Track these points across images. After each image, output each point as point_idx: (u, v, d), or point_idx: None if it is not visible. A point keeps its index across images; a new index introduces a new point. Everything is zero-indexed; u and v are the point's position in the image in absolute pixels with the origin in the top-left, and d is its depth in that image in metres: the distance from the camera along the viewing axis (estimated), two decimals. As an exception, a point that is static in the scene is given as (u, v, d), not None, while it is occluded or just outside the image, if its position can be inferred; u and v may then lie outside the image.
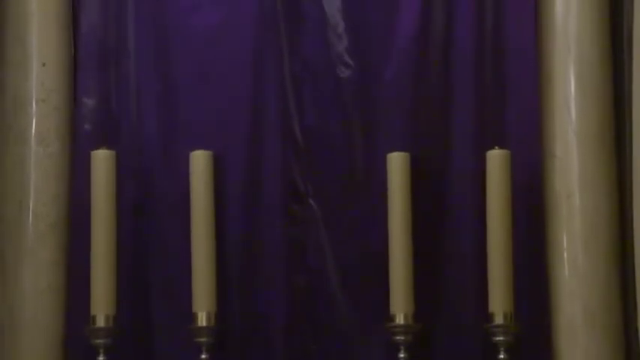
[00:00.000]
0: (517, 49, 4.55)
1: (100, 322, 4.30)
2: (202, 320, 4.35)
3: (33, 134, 4.46)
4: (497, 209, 4.30)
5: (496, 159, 4.34)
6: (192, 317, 4.36)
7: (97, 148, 4.41)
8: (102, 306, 4.32)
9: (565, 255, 4.35)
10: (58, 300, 4.45)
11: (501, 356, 4.24)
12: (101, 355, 4.30)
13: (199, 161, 4.45)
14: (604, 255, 4.34)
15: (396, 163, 4.41)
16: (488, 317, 4.27)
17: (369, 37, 4.60)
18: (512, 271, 4.26)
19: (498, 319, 4.25)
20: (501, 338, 4.25)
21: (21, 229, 4.43)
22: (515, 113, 4.54)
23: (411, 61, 4.58)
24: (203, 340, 4.35)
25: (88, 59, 4.60)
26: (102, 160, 4.40)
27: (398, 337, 4.31)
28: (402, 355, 4.31)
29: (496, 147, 4.36)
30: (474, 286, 4.42)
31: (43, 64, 4.50)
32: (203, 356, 4.34)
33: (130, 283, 4.52)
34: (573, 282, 4.33)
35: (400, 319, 4.31)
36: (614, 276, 4.35)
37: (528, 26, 4.54)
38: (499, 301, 4.26)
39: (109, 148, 4.42)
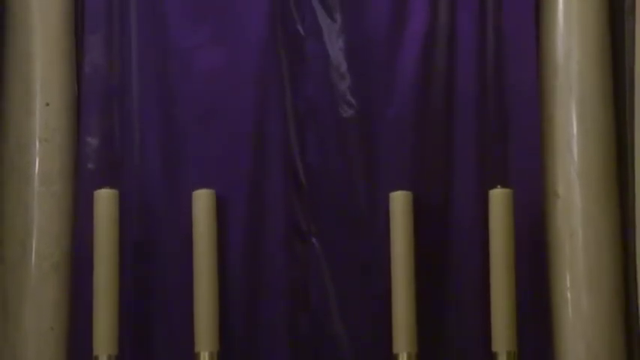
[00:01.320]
0: (519, 88, 4.58)
1: (103, 363, 4.31)
2: (205, 360, 4.36)
3: (36, 174, 4.47)
4: (500, 248, 4.30)
5: (498, 198, 4.34)
6: (194, 357, 4.35)
7: (100, 187, 4.43)
8: (104, 346, 4.31)
9: (568, 295, 4.36)
10: (60, 340, 4.44)
11: (505, 395, 4.25)
12: (104, 394, 4.30)
13: (202, 200, 4.46)
14: (607, 295, 4.34)
15: (399, 202, 4.41)
16: (492, 357, 4.26)
17: (371, 76, 4.63)
18: (515, 311, 4.26)
19: (502, 359, 4.25)
20: (505, 378, 4.25)
21: (24, 269, 4.44)
22: (517, 152, 4.55)
23: (413, 101, 4.60)
24: (206, 379, 4.35)
25: (92, 99, 4.62)
26: (105, 200, 4.40)
27: (401, 377, 4.31)
28: (405, 395, 4.31)
29: (498, 186, 4.37)
30: (478, 326, 4.42)
31: (47, 104, 4.52)
32: (206, 395, 4.34)
33: (133, 323, 4.51)
34: (577, 322, 4.33)
35: (403, 359, 4.31)
36: (617, 316, 4.35)
37: (530, 65, 4.57)
38: (502, 341, 4.25)
39: (112, 187, 4.43)
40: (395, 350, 4.31)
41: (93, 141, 4.60)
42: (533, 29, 4.58)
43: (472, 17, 4.61)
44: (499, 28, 4.62)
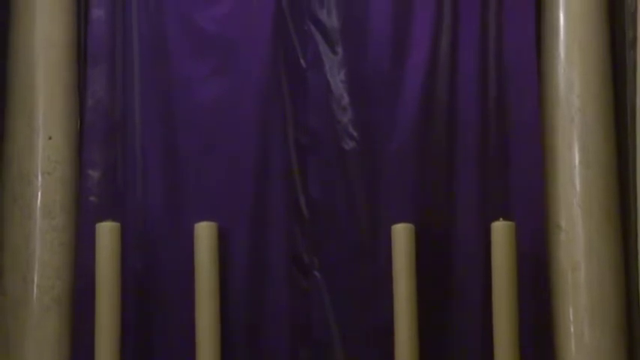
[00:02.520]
0: (520, 120, 4.59)
1: (104, 397, 4.29)
2: (207, 394, 4.34)
3: (38, 207, 4.48)
4: (502, 281, 4.29)
5: (501, 230, 4.34)
6: (196, 390, 4.35)
7: (102, 220, 4.43)
8: (106, 380, 4.31)
9: (572, 329, 4.34)
10: (62, 375, 4.45)
11: None
12: None
13: (204, 233, 4.45)
14: (610, 329, 4.33)
15: (401, 235, 4.41)
16: (495, 389, 4.26)
17: (373, 109, 4.64)
18: (518, 344, 4.24)
19: (505, 392, 4.24)
20: (508, 412, 4.23)
21: (25, 303, 4.43)
22: (519, 184, 4.56)
23: (415, 133, 4.60)
24: (208, 413, 4.33)
25: (94, 132, 4.63)
26: (107, 233, 4.40)
27: (404, 411, 4.29)
28: None
29: (501, 218, 4.37)
30: (480, 358, 4.40)
31: (49, 138, 4.53)
32: None
33: (135, 356, 4.49)
34: (580, 355, 4.32)
35: (406, 391, 4.31)
36: (621, 350, 4.34)
37: (531, 97, 4.58)
38: (506, 374, 4.25)
39: (114, 220, 4.43)
40: (398, 383, 4.30)
41: (95, 174, 4.61)
42: (534, 61, 4.60)
43: (473, 50, 4.63)
44: (500, 61, 4.64)
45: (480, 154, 4.59)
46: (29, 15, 4.57)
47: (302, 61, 4.67)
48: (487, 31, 4.65)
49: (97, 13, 4.67)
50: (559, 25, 4.57)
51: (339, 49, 4.66)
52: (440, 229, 4.54)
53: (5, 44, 4.62)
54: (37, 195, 4.48)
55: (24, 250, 4.45)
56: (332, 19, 4.68)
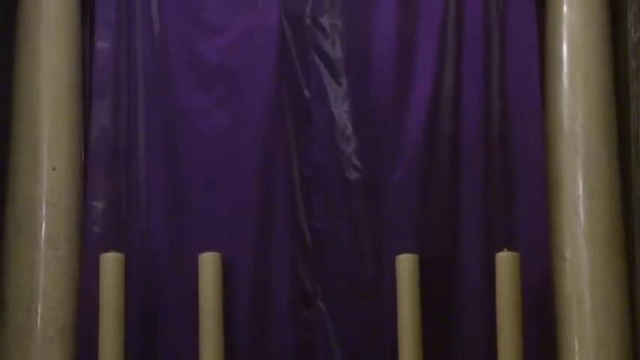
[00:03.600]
0: (524, 150, 4.59)
1: None
2: None
3: (43, 238, 4.47)
4: (507, 311, 4.27)
5: (505, 261, 4.33)
6: (200, 422, 4.34)
7: (106, 250, 4.42)
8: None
9: (577, 360, 4.37)
10: (65, 408, 4.44)
11: None
12: None
13: (208, 263, 4.45)
14: (615, 360, 4.34)
15: (405, 265, 4.41)
16: (499, 422, 4.24)
17: (376, 139, 4.64)
18: (523, 376, 4.25)
19: None
20: None
21: (29, 335, 4.41)
22: (523, 215, 4.56)
23: (419, 163, 4.61)
24: None
25: (98, 163, 4.64)
26: (111, 263, 4.40)
27: None
28: None
29: (505, 249, 4.36)
30: (485, 391, 4.42)
31: (54, 169, 4.53)
32: None
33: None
34: (586, 387, 4.33)
35: (410, 422, 4.29)
36: (626, 382, 4.35)
37: (535, 128, 4.59)
38: (510, 406, 4.23)
39: (118, 250, 4.43)
40: (402, 414, 4.29)
41: (99, 204, 4.61)
42: (538, 93, 4.61)
43: (477, 82, 4.65)
44: (504, 92, 4.66)
45: (484, 184, 4.59)
46: (34, 47, 4.60)
47: (306, 92, 4.68)
48: (490, 64, 4.67)
49: (102, 45, 4.70)
50: (562, 56, 4.59)
51: (344, 80, 4.68)
52: (444, 259, 4.54)
53: (10, 76, 4.63)
54: (42, 226, 4.48)
55: (28, 281, 4.44)
56: (336, 50, 4.69)
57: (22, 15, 4.64)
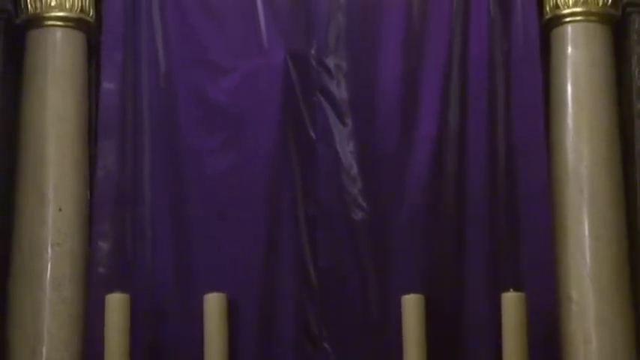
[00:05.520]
0: (530, 191, 4.59)
1: None
2: None
3: (48, 279, 4.46)
4: (513, 352, 4.26)
5: (511, 301, 4.32)
6: None
7: (112, 291, 4.42)
8: None
9: (584, 403, 4.34)
10: None
11: None
12: None
13: (213, 304, 4.44)
14: (623, 404, 4.31)
15: (411, 305, 4.39)
16: None
17: (382, 179, 4.64)
18: (529, 418, 4.23)
19: None
20: None
21: (34, 377, 4.42)
22: (529, 255, 4.55)
23: (424, 203, 4.61)
24: None
25: (104, 204, 4.64)
26: (116, 304, 4.39)
27: None
28: None
29: (511, 289, 4.35)
30: None
31: (59, 209, 4.54)
32: None
33: None
34: None
35: None
36: None
37: (541, 169, 4.58)
38: None
39: (123, 291, 4.42)
40: None
41: (104, 245, 4.60)
42: (543, 133, 4.61)
43: (482, 121, 4.65)
44: (509, 131, 4.66)
45: (489, 225, 4.59)
46: (40, 89, 4.62)
47: (311, 132, 4.69)
48: (495, 104, 4.68)
49: (108, 86, 4.71)
50: (567, 96, 4.60)
51: (349, 121, 4.69)
52: (450, 299, 4.53)
53: (17, 118, 4.64)
54: (47, 267, 4.48)
55: (33, 322, 4.43)
56: (341, 91, 4.71)
57: (27, 57, 4.67)
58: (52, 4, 4.67)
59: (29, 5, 4.68)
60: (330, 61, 4.72)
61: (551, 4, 4.70)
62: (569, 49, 4.62)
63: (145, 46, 4.74)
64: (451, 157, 4.64)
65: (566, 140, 4.55)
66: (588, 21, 4.63)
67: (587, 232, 4.45)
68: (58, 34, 4.67)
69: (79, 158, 4.62)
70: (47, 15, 4.66)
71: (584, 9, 4.63)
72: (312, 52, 4.72)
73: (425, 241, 4.59)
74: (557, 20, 4.67)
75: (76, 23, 4.69)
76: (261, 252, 4.60)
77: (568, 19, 4.65)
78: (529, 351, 4.26)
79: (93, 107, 4.73)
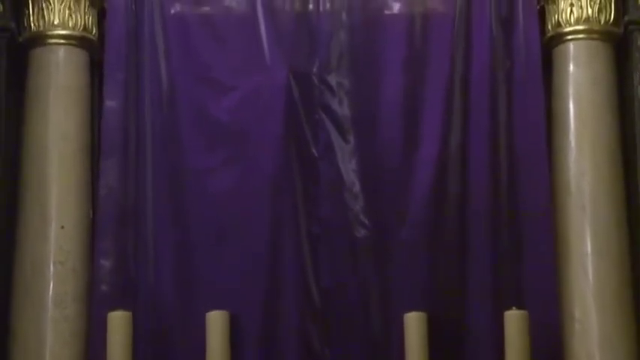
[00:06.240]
0: (532, 209, 4.59)
1: None
2: None
3: (50, 297, 4.46)
4: (516, 372, 4.27)
5: (514, 319, 4.31)
6: None
7: (114, 309, 4.41)
8: None
9: (587, 422, 4.32)
10: None
11: None
12: None
13: (215, 322, 4.44)
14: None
15: (414, 323, 4.39)
16: None
17: (384, 197, 4.64)
18: None
19: None
20: None
21: (36, 396, 4.41)
22: (532, 273, 4.54)
23: (427, 221, 4.61)
24: None
25: (106, 221, 4.64)
26: (119, 322, 4.38)
27: None
28: None
29: (514, 307, 4.34)
30: None
31: (62, 227, 4.53)
32: None
33: None
34: None
35: None
36: None
37: (543, 186, 4.58)
38: None
39: (125, 309, 4.42)
40: None
41: (107, 263, 4.60)
42: (545, 151, 4.61)
43: (484, 138, 4.65)
44: (511, 148, 4.66)
45: (492, 242, 4.58)
46: (43, 107, 4.63)
47: (313, 150, 4.69)
48: (497, 122, 4.68)
49: (111, 104, 4.72)
50: (569, 114, 4.60)
51: (351, 138, 4.69)
52: (453, 317, 4.52)
53: (19, 135, 4.64)
54: (49, 285, 4.47)
55: (35, 340, 4.42)
56: (344, 108, 4.71)
57: (30, 75, 4.68)
58: (55, 22, 4.69)
59: (32, 23, 4.70)
60: (333, 79, 4.73)
61: (553, 22, 4.72)
62: (571, 67, 4.63)
63: (147, 64, 4.74)
64: (453, 174, 4.64)
65: (568, 158, 4.55)
66: (590, 39, 4.64)
67: (589, 250, 4.44)
68: (61, 52, 4.68)
69: (81, 176, 4.62)
70: (50, 33, 4.68)
71: (586, 27, 4.64)
72: (315, 69, 4.73)
73: (427, 258, 4.58)
74: (559, 38, 4.69)
75: (79, 41, 4.71)
76: (264, 269, 4.59)
77: (570, 37, 4.66)
78: (532, 370, 4.28)
79: (95, 125, 4.74)
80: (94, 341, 4.47)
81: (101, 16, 4.81)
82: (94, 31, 4.77)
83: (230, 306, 4.48)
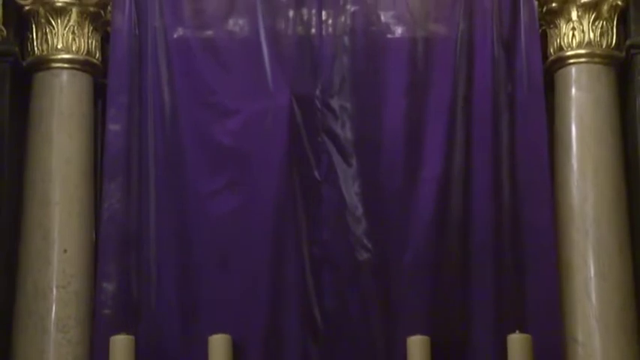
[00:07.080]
0: (535, 232, 4.58)
1: None
2: None
3: (53, 321, 4.46)
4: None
5: (517, 343, 4.31)
6: None
7: (117, 333, 4.41)
8: None
9: None
10: None
11: None
12: None
13: (218, 345, 4.43)
14: None
15: (417, 347, 4.38)
16: None
17: (387, 220, 4.64)
18: None
19: None
20: None
21: (38, 420, 4.39)
22: (535, 296, 4.53)
23: (429, 244, 4.60)
24: None
25: (109, 245, 4.63)
26: (121, 346, 4.38)
27: None
28: None
29: (517, 330, 4.34)
30: None
31: (65, 251, 4.54)
32: None
33: None
34: None
35: None
36: None
37: (546, 210, 4.58)
38: None
39: (128, 333, 4.42)
40: None
41: (109, 286, 4.60)
42: (548, 174, 4.62)
43: (486, 161, 4.66)
44: (514, 171, 4.67)
45: (494, 266, 4.58)
46: (46, 131, 4.64)
47: (316, 173, 4.70)
48: (500, 145, 4.68)
49: (114, 127, 4.73)
50: (571, 137, 4.61)
51: (354, 161, 4.69)
52: (455, 341, 4.51)
53: (23, 159, 4.65)
54: (52, 308, 4.47)
55: (38, 366, 4.43)
56: (346, 132, 4.72)
57: (34, 98, 4.69)
58: (59, 46, 4.71)
59: (36, 48, 4.72)
60: (335, 103, 4.74)
61: (555, 45, 4.73)
62: (574, 91, 4.64)
63: (150, 88, 4.75)
64: (456, 198, 4.64)
65: (570, 181, 4.56)
66: (592, 62, 4.66)
67: (592, 273, 4.44)
68: (65, 76, 4.70)
69: (84, 200, 4.63)
70: (54, 57, 4.70)
71: (588, 50, 4.66)
72: (317, 93, 4.74)
73: (430, 282, 4.57)
74: (562, 62, 4.71)
75: (83, 65, 4.73)
76: (266, 293, 4.58)
77: (572, 61, 4.68)
78: (536, 394, 4.26)
79: (98, 149, 4.75)
80: (97, 364, 4.48)
81: (104, 41, 4.84)
82: (97, 55, 4.79)
83: (232, 329, 4.48)
